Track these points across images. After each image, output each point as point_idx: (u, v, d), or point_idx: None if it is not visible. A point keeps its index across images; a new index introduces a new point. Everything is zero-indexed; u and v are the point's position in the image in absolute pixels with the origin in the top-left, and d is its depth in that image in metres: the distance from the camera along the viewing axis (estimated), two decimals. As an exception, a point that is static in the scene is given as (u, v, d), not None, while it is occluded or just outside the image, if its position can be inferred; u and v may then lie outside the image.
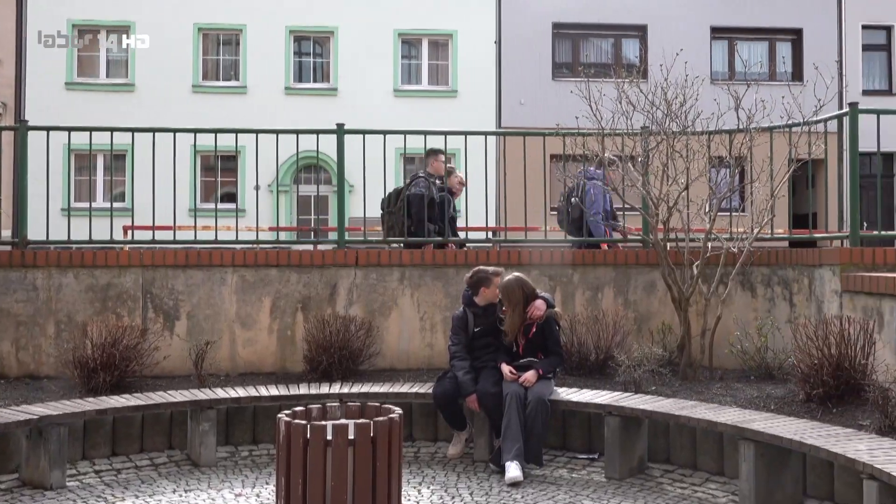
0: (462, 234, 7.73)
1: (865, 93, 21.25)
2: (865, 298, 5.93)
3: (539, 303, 5.89)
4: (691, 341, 6.60)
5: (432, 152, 8.10)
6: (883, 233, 7.32)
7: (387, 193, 7.86)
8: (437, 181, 7.86)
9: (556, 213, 8.32)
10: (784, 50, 21.77)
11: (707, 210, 6.93)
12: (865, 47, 22.22)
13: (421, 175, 7.95)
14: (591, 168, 8.14)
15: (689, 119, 6.79)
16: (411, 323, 7.19)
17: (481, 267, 6.18)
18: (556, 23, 21.04)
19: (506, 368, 5.82)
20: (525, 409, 5.59)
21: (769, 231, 7.19)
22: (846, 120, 6.71)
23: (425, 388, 6.14)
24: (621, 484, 5.35)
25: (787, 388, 5.92)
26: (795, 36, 21.78)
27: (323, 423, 4.11)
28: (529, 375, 5.73)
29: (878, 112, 6.64)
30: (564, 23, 21.14)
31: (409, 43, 21.30)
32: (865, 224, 7.26)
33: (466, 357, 5.96)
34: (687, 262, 6.69)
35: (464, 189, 8.64)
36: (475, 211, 7.68)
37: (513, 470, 5.33)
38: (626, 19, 21.19)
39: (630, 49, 21.57)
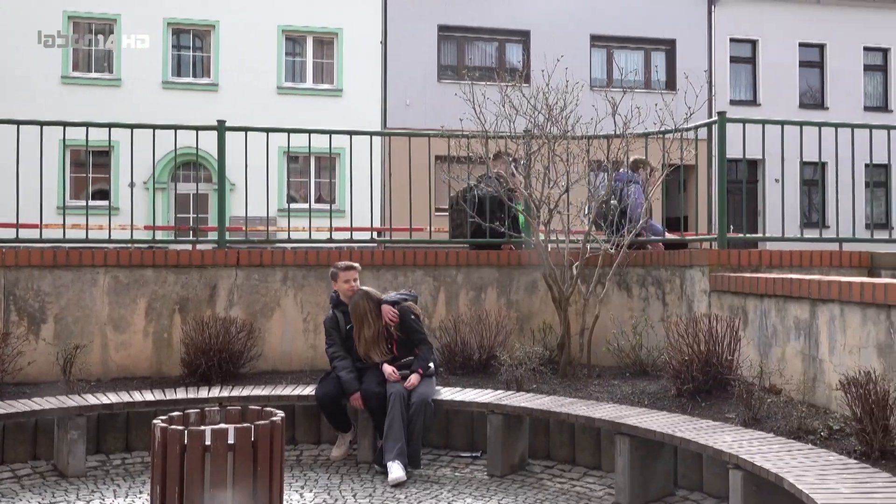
0: (347, 234, 7.66)
1: (733, 102, 22.44)
2: (732, 297, 6.25)
3: (385, 308, 5.92)
4: (571, 340, 6.77)
5: (498, 155, 8.08)
6: (748, 235, 7.70)
7: (454, 192, 7.88)
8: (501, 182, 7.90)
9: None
10: (658, 59, 22.71)
11: (586, 212, 7.13)
12: (733, 59, 23.47)
13: (490, 175, 7.94)
14: (629, 171, 8.33)
15: (569, 124, 6.97)
16: (294, 324, 7.07)
17: (337, 262, 6.22)
18: (441, 25, 21.22)
19: (388, 369, 5.82)
20: (409, 409, 5.61)
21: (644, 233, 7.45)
22: (715, 128, 7.04)
23: (308, 390, 6.06)
24: (503, 481, 5.44)
25: (660, 383, 6.17)
26: (669, 47, 22.76)
27: (201, 428, 3.98)
28: (413, 379, 5.76)
29: (744, 121, 7.00)
30: (450, 25, 21.35)
31: (293, 40, 20.97)
32: (732, 227, 7.65)
33: (347, 356, 5.93)
34: (567, 262, 6.86)
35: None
36: (359, 212, 7.63)
37: (396, 470, 5.32)
38: (510, 24, 21.59)
39: (513, 54, 21.99)
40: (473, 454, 5.96)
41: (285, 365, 7.02)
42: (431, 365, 5.98)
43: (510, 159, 7.95)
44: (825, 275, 6.16)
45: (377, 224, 9.30)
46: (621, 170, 7.73)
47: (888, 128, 7.33)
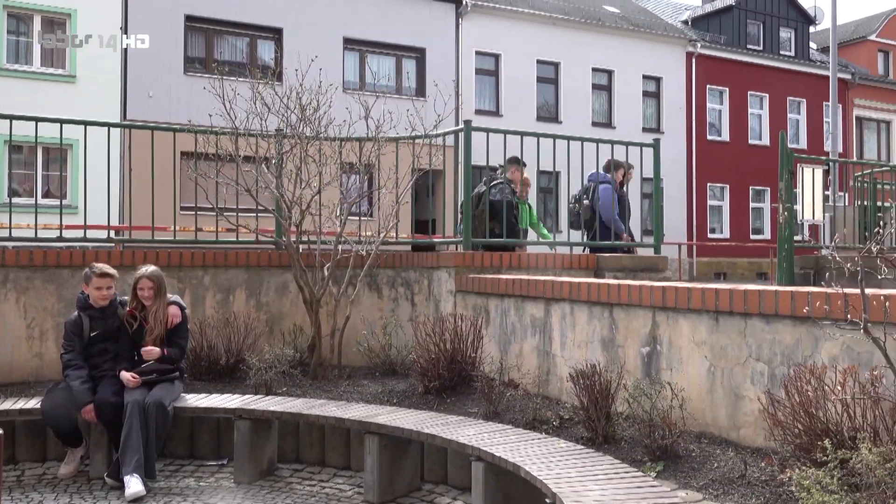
0: (81, 233, 7.07)
1: (478, 112, 23.61)
2: (475, 297, 6.56)
3: (173, 309, 5.69)
4: (321, 341, 6.75)
5: (515, 161, 8.22)
6: (490, 239, 8.11)
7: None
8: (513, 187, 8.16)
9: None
10: (409, 66, 23.32)
11: (338, 214, 7.15)
12: (478, 71, 24.70)
13: (501, 181, 8.10)
14: (601, 171, 8.16)
15: (322, 125, 6.95)
16: (15, 331, 6.41)
17: (92, 263, 5.78)
18: (189, 15, 20.28)
19: (126, 375, 5.45)
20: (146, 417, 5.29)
21: (394, 235, 7.62)
22: (461, 135, 7.36)
23: (32, 403, 5.51)
24: (251, 487, 5.29)
25: (408, 382, 6.32)
26: (419, 55, 23.47)
27: None
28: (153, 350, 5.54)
29: (488, 130, 7.38)
30: (198, 16, 20.45)
31: (17, 17, 19.01)
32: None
33: (83, 365, 5.47)
34: (318, 264, 6.84)
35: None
36: (94, 210, 7.06)
37: (134, 484, 4.99)
38: (261, 20, 21.12)
39: (265, 51, 21.55)
40: (220, 462, 5.75)
41: (5, 376, 6.33)
42: (177, 377, 5.70)
43: (523, 165, 8.21)
44: (558, 276, 6.65)
45: (115, 222, 8.66)
46: (594, 171, 8.01)
47: (612, 142, 8.06)
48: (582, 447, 4.37)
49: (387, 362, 6.91)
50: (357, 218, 7.66)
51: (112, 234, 7.76)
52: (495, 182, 8.11)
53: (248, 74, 7.85)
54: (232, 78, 7.26)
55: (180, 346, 5.78)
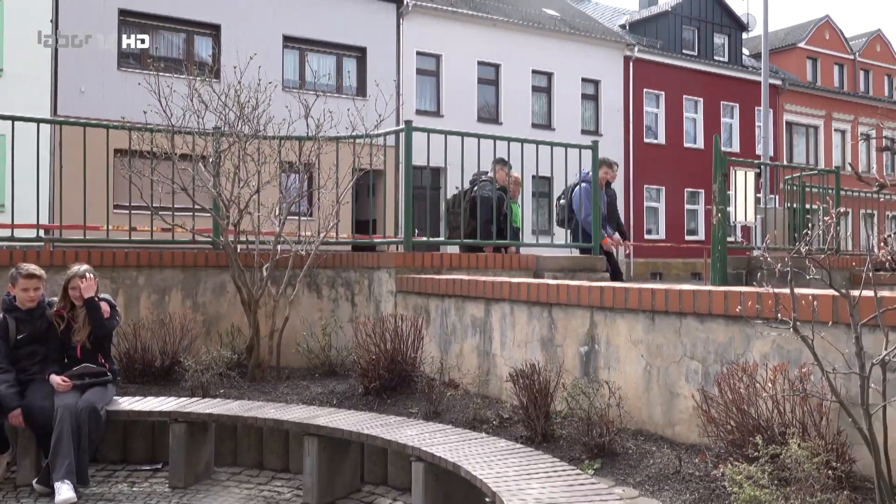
0: (8, 232, 6.85)
1: (419, 112, 23.62)
2: (416, 298, 6.56)
3: (103, 305, 5.56)
4: (260, 342, 6.66)
5: (502, 162, 8.32)
6: (431, 239, 8.13)
7: (451, 195, 8.15)
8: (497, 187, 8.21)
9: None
10: (350, 66, 23.21)
11: (277, 214, 7.07)
12: (419, 71, 24.71)
13: (485, 179, 8.16)
14: (587, 171, 8.15)
15: (261, 123, 6.86)
16: (-61, 333, 6.16)
17: (19, 264, 5.60)
18: (122, 9, 19.82)
19: (56, 379, 5.29)
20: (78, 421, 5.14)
21: (335, 235, 7.58)
22: (402, 136, 7.35)
23: (-43, 408, 5.31)
24: (186, 492, 5.19)
25: (348, 382, 6.29)
26: (360, 54, 23.37)
27: None
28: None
29: (429, 131, 7.38)
30: (132, 10, 20.00)
31: (-59, 8, 18.33)
32: (417, 231, 8.03)
33: (10, 369, 5.29)
34: (257, 264, 6.75)
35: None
36: (23, 208, 6.84)
37: (65, 491, 4.84)
38: (199, 16, 20.78)
39: (203, 47, 21.18)
40: (154, 466, 5.62)
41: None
42: (110, 380, 5.56)
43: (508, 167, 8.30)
44: (498, 276, 6.70)
45: (44, 221, 8.42)
46: (586, 171, 8.08)
47: (552, 144, 8.15)
48: (521, 446, 4.40)
49: (327, 363, 6.86)
50: (297, 218, 7.59)
51: (41, 233, 7.54)
52: (480, 181, 8.22)
53: (184, 71, 7.69)
54: (168, 74, 7.12)
55: (110, 328, 5.65)
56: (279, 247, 6.81)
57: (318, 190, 7.26)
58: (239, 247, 6.84)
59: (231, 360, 6.44)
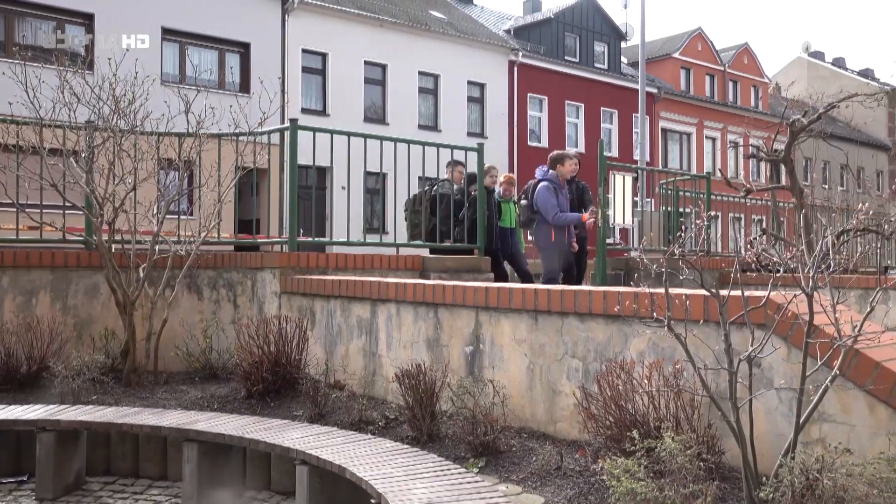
0: None
1: (304, 111, 23.31)
2: (301, 299, 6.46)
3: None
4: (136, 346, 6.41)
5: (455, 163, 8.54)
6: (316, 239, 8.03)
7: (411, 195, 8.29)
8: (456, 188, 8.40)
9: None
10: (233, 61, 22.66)
11: (155, 212, 6.82)
12: (305, 69, 24.38)
13: (444, 180, 8.35)
14: (544, 168, 7.88)
15: (138, 118, 6.61)
16: None
17: None
18: (-13, -6, 18.69)
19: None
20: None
21: (216, 235, 7.38)
22: (287, 134, 7.22)
23: None
24: (55, 504, 4.94)
25: (230, 386, 6.13)
26: (244, 49, 22.86)
27: None
28: None
29: (314, 130, 7.29)
30: (-3, -5, 18.89)
31: None
32: (302, 231, 7.92)
33: None
34: (133, 264, 6.49)
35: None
36: None
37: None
38: (70, 4, 19.81)
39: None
40: (19, 478, 5.32)
41: None
42: None
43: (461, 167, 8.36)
44: (385, 277, 6.68)
45: None
46: (543, 167, 8.00)
47: (438, 145, 8.20)
48: (407, 446, 4.41)
49: (207, 367, 6.67)
50: (176, 217, 7.35)
51: None
52: (439, 182, 8.31)
53: (55, 61, 7.32)
54: (37, 64, 6.75)
55: None
56: (157, 247, 6.57)
57: (198, 188, 7.05)
58: (114, 246, 6.56)
59: (105, 365, 6.16)
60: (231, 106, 6.77)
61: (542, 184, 8.23)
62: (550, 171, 8.35)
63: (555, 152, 8.67)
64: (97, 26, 19.66)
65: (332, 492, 4.28)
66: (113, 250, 6.50)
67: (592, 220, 8.54)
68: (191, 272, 6.87)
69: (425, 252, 8.19)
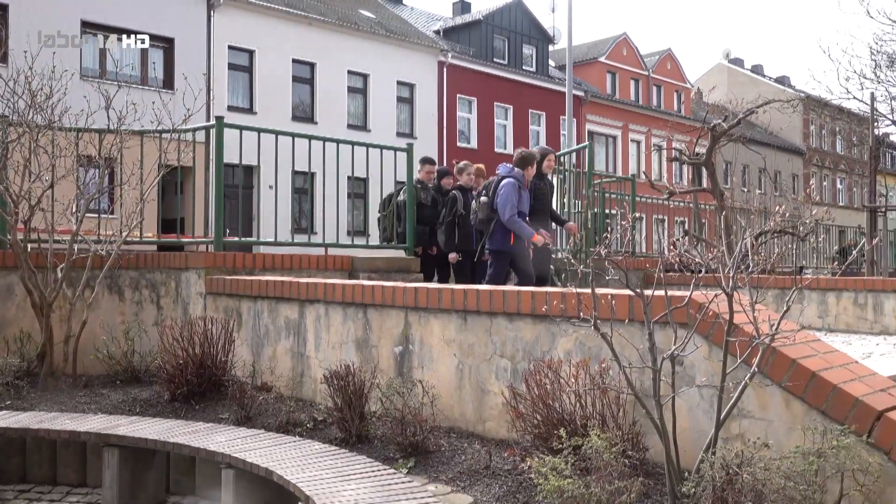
0: None
1: (231, 108, 22.91)
2: (227, 300, 6.35)
3: None
4: (54, 349, 6.20)
5: (425, 161, 8.79)
6: (243, 239, 7.91)
7: (382, 198, 8.47)
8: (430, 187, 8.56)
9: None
10: (156, 56, 22.11)
11: (74, 211, 6.61)
12: (231, 66, 23.96)
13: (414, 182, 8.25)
14: (508, 165, 7.54)
15: (55, 113, 6.40)
16: None
17: None
18: None
19: None
20: None
21: (139, 234, 7.19)
22: (213, 132, 7.09)
23: None
24: (-33, 515, 4.74)
25: (153, 389, 5.98)
26: (168, 45, 22.33)
27: None
28: None
29: (241, 128, 7.17)
30: None
31: None
32: (228, 230, 7.78)
33: None
34: (51, 264, 6.27)
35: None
36: None
37: None
38: (-17, -6, 19.06)
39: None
40: (-73, 488, 5.08)
41: None
42: None
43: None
44: (313, 277, 6.62)
45: None
46: (507, 164, 7.62)
47: (367, 145, 8.17)
48: (336, 448, 4.38)
49: (129, 370, 6.49)
50: (96, 215, 7.13)
51: None
52: (404, 188, 8.27)
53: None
54: (-54, 56, 6.48)
55: None
56: (76, 246, 6.37)
57: (120, 186, 6.86)
58: (30, 246, 6.33)
59: (21, 369, 5.96)
60: (154, 102, 6.62)
61: (507, 180, 7.60)
62: (516, 170, 7.75)
63: (522, 150, 7.96)
64: (11, 18, 18.93)
65: (259, 495, 4.21)
66: (29, 250, 6.27)
67: (541, 243, 7.67)
68: (112, 273, 6.68)
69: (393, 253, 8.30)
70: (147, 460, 4.78)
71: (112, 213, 7.83)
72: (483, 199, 7.75)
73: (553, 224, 8.69)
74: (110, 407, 5.63)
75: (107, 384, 6.35)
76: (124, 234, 6.62)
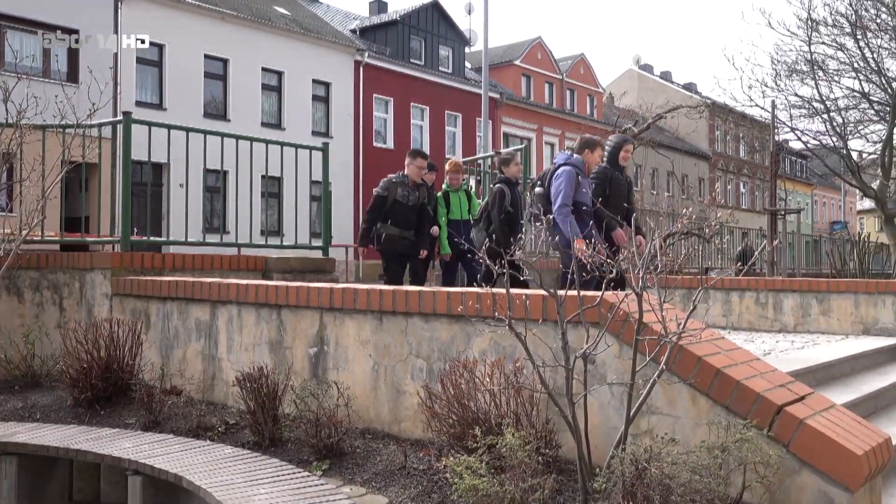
0: None
1: (139, 104, 22.23)
2: (135, 301, 6.15)
3: None
4: (-53, 353, 5.90)
5: (416, 154, 8.16)
6: (152, 238, 7.68)
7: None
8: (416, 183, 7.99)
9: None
10: (60, 48, 21.26)
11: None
12: (140, 60, 23.24)
13: (393, 177, 7.99)
14: (568, 152, 6.59)
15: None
16: None
17: None
18: None
19: None
20: None
21: (40, 233, 6.90)
22: (120, 128, 6.86)
23: None
24: None
25: (55, 394, 5.76)
26: (71, 36, 21.49)
27: None
28: None
29: (150, 124, 6.97)
30: None
31: None
32: (136, 229, 7.55)
33: None
34: (-57, 264, 5.96)
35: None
36: None
37: None
38: None
39: None
40: None
41: None
42: None
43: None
44: (225, 278, 6.48)
45: None
46: (568, 152, 6.68)
47: (282, 144, 8.04)
48: (248, 452, 4.30)
49: (29, 374, 6.23)
50: (-6, 213, 6.82)
51: None
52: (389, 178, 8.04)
53: None
54: None
55: None
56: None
57: (19, 183, 6.56)
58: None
59: None
60: (57, 96, 6.36)
61: (564, 168, 6.52)
62: (576, 156, 6.70)
63: (587, 136, 6.99)
64: None
65: (168, 501, 4.10)
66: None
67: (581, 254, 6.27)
68: (10, 273, 6.39)
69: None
70: (48, 468, 4.60)
71: (11, 211, 7.48)
72: (538, 189, 6.71)
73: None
74: (8, 413, 5.39)
75: (4, 390, 6.07)
76: (24, 232, 6.34)
